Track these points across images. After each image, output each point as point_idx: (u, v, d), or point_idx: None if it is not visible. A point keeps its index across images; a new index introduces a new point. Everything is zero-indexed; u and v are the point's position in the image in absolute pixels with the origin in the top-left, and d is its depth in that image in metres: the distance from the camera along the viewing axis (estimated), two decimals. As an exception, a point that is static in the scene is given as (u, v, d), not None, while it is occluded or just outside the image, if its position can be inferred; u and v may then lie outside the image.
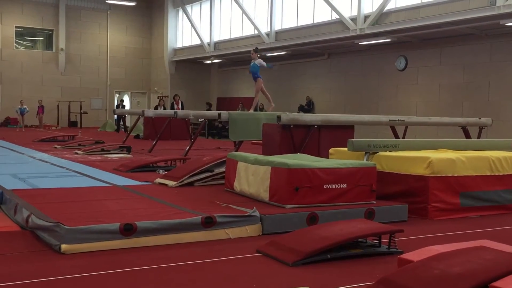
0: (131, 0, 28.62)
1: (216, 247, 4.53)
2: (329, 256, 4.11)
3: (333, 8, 18.74)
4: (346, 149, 6.82)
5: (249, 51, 23.12)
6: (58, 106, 28.30)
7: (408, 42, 17.96)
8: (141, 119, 18.43)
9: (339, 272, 3.89)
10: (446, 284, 2.94)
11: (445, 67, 17.11)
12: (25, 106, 24.09)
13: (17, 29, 28.32)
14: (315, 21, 20.26)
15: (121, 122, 23.74)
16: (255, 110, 23.11)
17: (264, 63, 11.18)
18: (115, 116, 24.79)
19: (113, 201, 5.78)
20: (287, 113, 9.52)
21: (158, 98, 27.66)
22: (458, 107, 16.50)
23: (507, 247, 3.67)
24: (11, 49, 28.07)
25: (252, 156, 6.40)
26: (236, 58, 25.96)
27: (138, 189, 6.72)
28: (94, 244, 4.30)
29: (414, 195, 6.14)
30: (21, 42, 28.88)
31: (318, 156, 7.69)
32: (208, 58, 26.54)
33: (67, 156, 11.45)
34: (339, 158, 6.83)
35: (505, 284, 2.85)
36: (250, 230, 4.97)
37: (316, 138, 8.90)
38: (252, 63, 10.67)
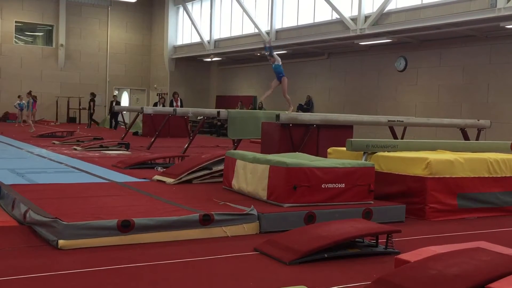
0: (132, -4, 28.61)
1: (213, 245, 4.53)
2: (326, 255, 4.12)
3: (334, 8, 18.73)
4: (344, 148, 6.83)
5: (249, 50, 23.35)
6: (57, 102, 28.27)
7: (408, 43, 17.96)
8: (140, 116, 18.44)
9: (336, 272, 3.89)
10: (442, 285, 2.95)
11: (445, 69, 17.11)
12: (23, 101, 24.06)
13: (17, 24, 28.27)
14: (315, 21, 20.23)
15: (113, 120, 23.72)
16: (256, 108, 23.14)
17: (276, 56, 10.70)
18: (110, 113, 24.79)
19: (111, 198, 5.78)
20: (286, 112, 9.53)
21: (157, 95, 27.64)
22: (457, 109, 16.51)
23: (504, 249, 3.68)
24: (11, 44, 28.02)
25: (250, 154, 6.40)
26: (236, 57, 25.94)
27: (136, 186, 6.72)
28: (92, 240, 4.30)
29: (412, 195, 6.14)
30: (21, 37, 28.83)
31: (317, 155, 7.69)
32: (208, 56, 26.50)
33: (65, 152, 11.44)
34: (338, 157, 6.83)
35: (502, 285, 2.85)
36: (248, 228, 4.97)
37: (315, 138, 8.91)
38: (273, 65, 10.42)
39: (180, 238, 4.63)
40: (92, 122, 24.74)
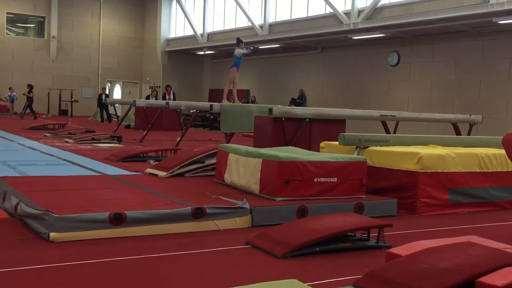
0: (125, -12, 28.44)
1: (205, 238, 4.53)
2: (318, 249, 4.13)
3: (327, 2, 18.71)
4: (337, 143, 6.83)
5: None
6: (48, 94, 28.10)
7: (401, 38, 17.98)
8: (133, 109, 18.37)
9: (327, 265, 3.91)
10: (433, 279, 2.97)
11: (437, 64, 17.16)
12: (14, 93, 23.91)
13: (8, 15, 28.03)
14: (309, 15, 20.22)
15: (105, 112, 23.49)
16: (247, 102, 23.14)
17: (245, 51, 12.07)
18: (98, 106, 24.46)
19: (103, 191, 5.76)
20: (279, 106, 9.53)
21: (150, 88, 27.53)
22: (449, 104, 16.57)
23: (494, 243, 3.70)
24: (2, 36, 27.79)
25: (243, 148, 6.40)
26: (229, 50, 25.74)
27: (128, 179, 6.71)
28: (83, 233, 4.29)
29: (404, 190, 6.17)
30: (13, 28, 28.59)
31: (309, 149, 7.70)
32: (201, 49, 26.43)
33: (57, 144, 11.39)
34: (330, 152, 6.84)
35: (492, 279, 2.87)
36: (240, 222, 4.98)
37: (308, 132, 8.92)
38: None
39: (172, 231, 4.63)
40: (25, 113, 23.72)
